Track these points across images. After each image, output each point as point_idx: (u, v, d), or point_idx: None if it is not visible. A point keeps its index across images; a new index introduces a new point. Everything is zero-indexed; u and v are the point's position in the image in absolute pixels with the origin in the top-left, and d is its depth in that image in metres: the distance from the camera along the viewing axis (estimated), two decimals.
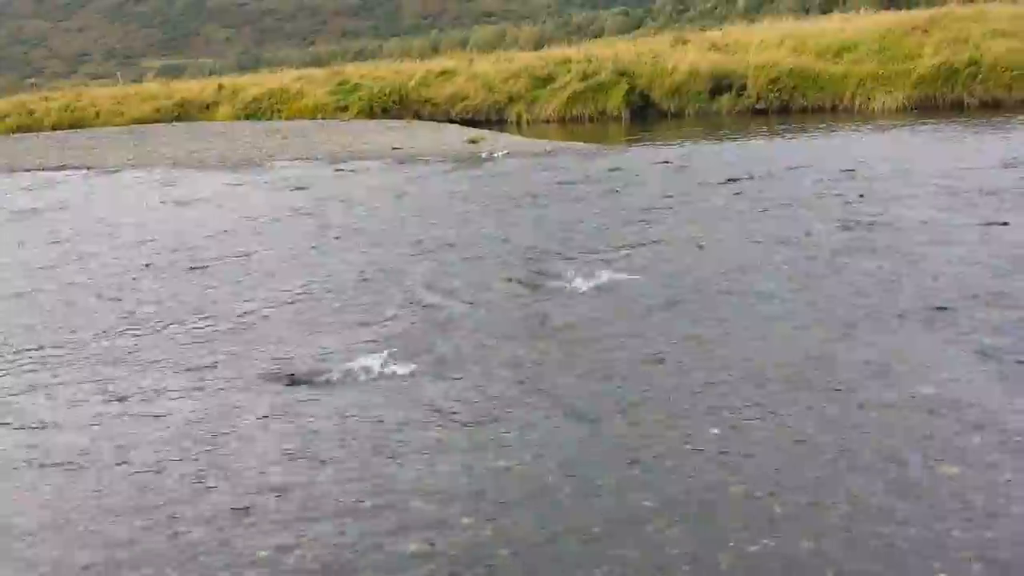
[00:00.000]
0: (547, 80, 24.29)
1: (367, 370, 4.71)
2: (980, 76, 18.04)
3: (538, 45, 46.54)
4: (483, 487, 3.46)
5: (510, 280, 6.54)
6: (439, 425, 4.05)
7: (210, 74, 56.67)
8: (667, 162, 12.72)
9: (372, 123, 24.08)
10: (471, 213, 9.71)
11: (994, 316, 4.97)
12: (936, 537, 2.96)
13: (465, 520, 3.22)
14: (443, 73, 26.99)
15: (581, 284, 6.19)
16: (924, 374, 4.27)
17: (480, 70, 26.39)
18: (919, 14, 21.45)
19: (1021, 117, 15.42)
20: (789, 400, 4.07)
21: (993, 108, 17.43)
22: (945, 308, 5.14)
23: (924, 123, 15.62)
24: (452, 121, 24.33)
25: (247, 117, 29.23)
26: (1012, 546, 2.90)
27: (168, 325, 5.96)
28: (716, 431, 3.81)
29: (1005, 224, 7.02)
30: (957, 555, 2.86)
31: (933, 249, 6.51)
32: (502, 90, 24.73)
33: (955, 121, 15.59)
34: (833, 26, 23.44)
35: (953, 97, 18.28)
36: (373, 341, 5.24)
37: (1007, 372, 4.22)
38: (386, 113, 25.66)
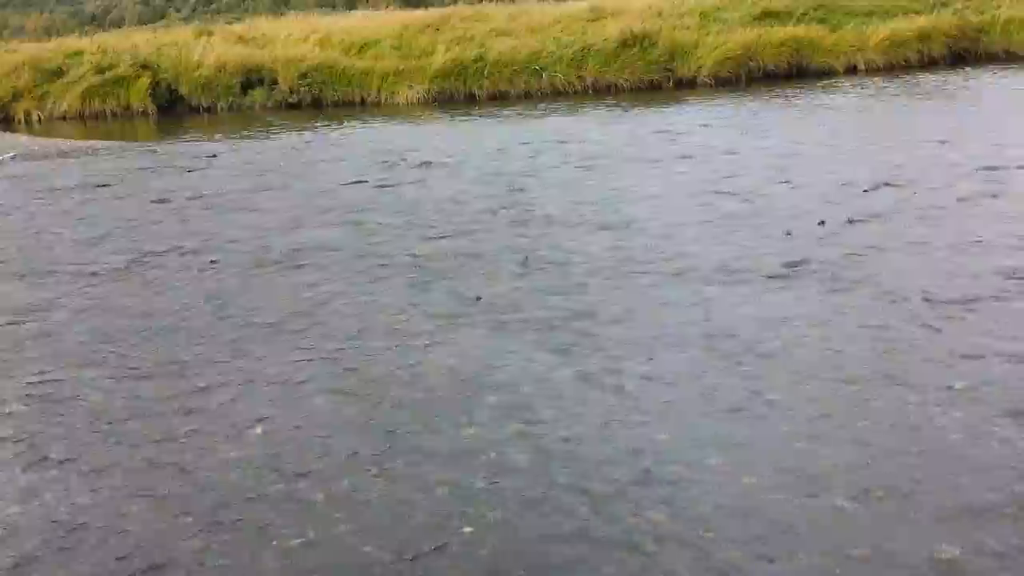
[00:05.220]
0: (58, 73, 22.01)
1: None
2: (486, 71, 19.96)
3: (46, 35, 42.01)
4: None
5: None
6: None
7: None
8: (198, 157, 12.35)
9: None
10: None
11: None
12: None
13: None
14: None
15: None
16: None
17: None
18: (432, 13, 23.07)
19: (518, 108, 17.43)
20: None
21: (500, 100, 19.41)
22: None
23: (440, 115, 16.98)
24: None
25: None
26: None
27: None
28: None
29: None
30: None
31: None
32: (5, 85, 21.90)
33: (468, 113, 17.15)
34: (355, 22, 24.31)
35: (466, 91, 20.01)
36: None
37: None
38: None
